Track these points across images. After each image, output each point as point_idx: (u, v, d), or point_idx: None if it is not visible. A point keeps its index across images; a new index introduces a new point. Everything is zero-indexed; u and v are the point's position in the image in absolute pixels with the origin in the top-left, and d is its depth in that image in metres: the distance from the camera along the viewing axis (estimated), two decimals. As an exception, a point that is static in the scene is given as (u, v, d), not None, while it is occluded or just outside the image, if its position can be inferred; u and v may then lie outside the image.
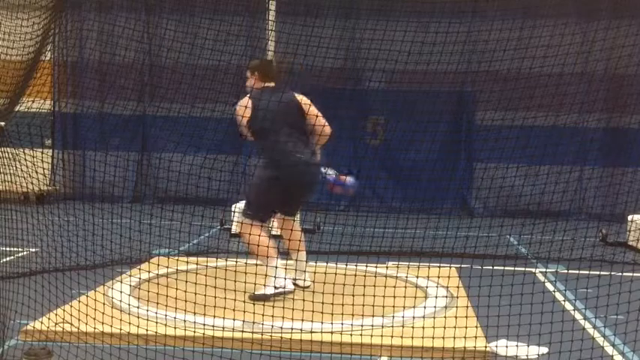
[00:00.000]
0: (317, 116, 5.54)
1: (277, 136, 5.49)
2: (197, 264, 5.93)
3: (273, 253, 5.37)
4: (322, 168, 5.74)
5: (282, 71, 6.36)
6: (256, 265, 5.36)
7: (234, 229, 8.80)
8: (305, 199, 5.98)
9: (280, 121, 5.49)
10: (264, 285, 5.28)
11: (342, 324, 4.31)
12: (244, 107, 5.55)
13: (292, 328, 4.36)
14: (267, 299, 5.14)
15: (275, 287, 5.27)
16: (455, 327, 4.17)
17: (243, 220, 5.50)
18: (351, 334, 4.40)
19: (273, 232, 6.59)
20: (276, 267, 5.30)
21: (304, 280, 5.72)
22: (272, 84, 5.72)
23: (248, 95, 5.64)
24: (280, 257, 5.60)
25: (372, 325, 4.50)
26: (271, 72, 5.82)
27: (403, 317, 4.79)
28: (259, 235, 5.37)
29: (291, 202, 5.76)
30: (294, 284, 5.65)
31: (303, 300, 4.81)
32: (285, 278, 5.40)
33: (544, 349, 4.35)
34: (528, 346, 4.35)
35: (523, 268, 5.91)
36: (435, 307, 5.06)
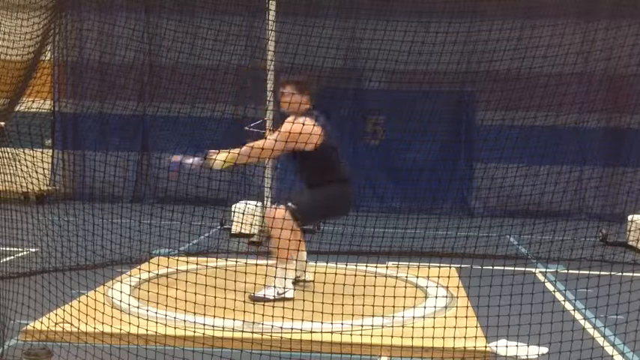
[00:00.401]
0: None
1: (339, 157, 5.62)
2: (197, 264, 5.93)
3: (293, 255, 5.38)
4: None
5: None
6: (256, 265, 5.36)
7: (234, 229, 8.81)
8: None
9: (337, 143, 5.67)
10: (270, 286, 5.27)
11: (342, 324, 4.31)
12: (312, 128, 5.27)
13: (292, 328, 4.36)
14: (268, 302, 5.15)
15: (279, 293, 5.27)
16: (455, 327, 4.17)
17: (285, 214, 5.33)
18: (351, 334, 4.40)
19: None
20: (286, 269, 5.30)
21: (305, 276, 5.74)
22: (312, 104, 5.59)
23: (309, 116, 5.38)
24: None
25: (372, 325, 4.50)
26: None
27: (403, 317, 4.79)
28: (289, 239, 5.23)
29: (337, 217, 5.95)
30: (301, 280, 5.66)
31: (303, 300, 4.81)
32: (290, 286, 5.39)
33: (544, 349, 4.35)
34: (528, 346, 4.35)
35: (523, 268, 5.91)
36: (434, 307, 5.06)
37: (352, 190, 5.74)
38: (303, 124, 5.20)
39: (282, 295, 5.25)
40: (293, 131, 5.09)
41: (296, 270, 5.75)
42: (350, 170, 5.81)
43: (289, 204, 5.39)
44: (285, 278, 5.28)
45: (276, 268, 5.27)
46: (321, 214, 5.84)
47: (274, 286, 5.27)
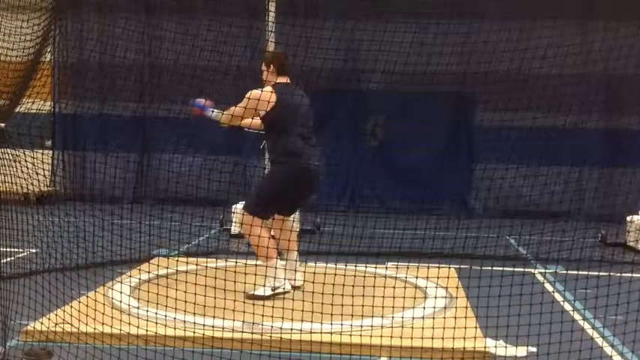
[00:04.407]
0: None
1: (298, 136, 5.47)
2: (197, 265, 5.94)
3: (273, 254, 5.37)
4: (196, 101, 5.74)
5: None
6: (256, 265, 5.37)
7: (234, 229, 8.82)
8: (306, 201, 5.96)
9: (301, 122, 5.52)
10: (263, 285, 5.29)
11: (341, 324, 4.31)
12: (269, 95, 5.38)
13: (292, 329, 4.36)
14: (264, 300, 5.16)
15: (272, 289, 5.27)
16: (454, 327, 4.18)
17: (246, 216, 5.42)
18: (350, 335, 4.40)
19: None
20: (275, 268, 5.31)
21: (295, 280, 5.69)
22: (286, 79, 5.62)
23: (271, 88, 5.49)
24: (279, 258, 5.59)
25: (372, 326, 4.50)
26: (286, 66, 5.67)
27: (403, 318, 4.80)
28: (259, 236, 5.34)
29: (297, 203, 5.77)
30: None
31: (303, 300, 4.81)
32: (284, 279, 5.40)
33: (543, 349, 4.36)
34: (527, 346, 4.36)
35: (522, 269, 5.92)
36: (434, 307, 5.07)
37: (305, 170, 5.48)
38: (262, 92, 5.40)
39: (276, 290, 5.25)
40: (248, 96, 5.37)
41: (285, 270, 5.73)
42: (315, 152, 5.57)
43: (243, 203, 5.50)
44: (276, 277, 5.27)
45: (266, 266, 5.29)
46: (270, 198, 5.49)
47: (264, 286, 5.29)
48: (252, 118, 5.73)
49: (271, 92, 5.43)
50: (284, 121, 5.42)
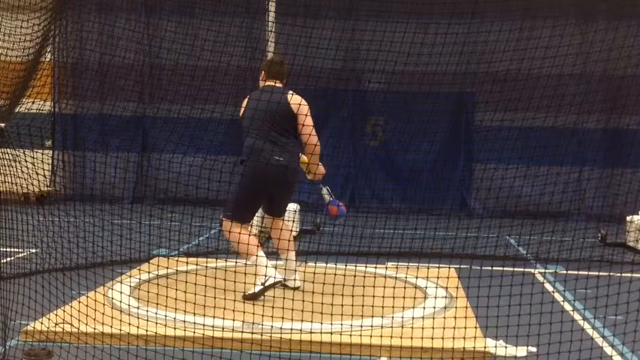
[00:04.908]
0: (304, 126, 5.50)
1: (255, 136, 5.49)
2: (197, 265, 5.94)
3: (254, 251, 5.34)
4: (322, 187, 5.87)
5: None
6: (245, 264, 5.36)
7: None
8: (283, 200, 5.88)
9: (261, 121, 5.45)
10: (253, 284, 5.28)
11: (341, 324, 4.32)
12: (243, 100, 5.72)
13: (292, 329, 4.36)
14: (257, 297, 5.16)
15: (262, 284, 5.27)
16: (454, 327, 4.18)
17: (225, 221, 5.52)
18: (350, 335, 4.40)
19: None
20: (258, 263, 5.28)
21: (295, 280, 5.69)
22: (274, 83, 5.67)
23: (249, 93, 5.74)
24: (269, 257, 5.56)
25: (372, 326, 4.50)
26: (277, 71, 5.71)
27: (403, 318, 4.80)
28: (237, 233, 5.32)
29: (274, 201, 5.73)
30: (284, 285, 5.63)
31: (303, 300, 4.81)
32: (271, 273, 5.32)
33: (543, 349, 4.36)
34: (527, 346, 4.36)
35: (522, 269, 5.92)
36: (434, 307, 5.07)
37: (267, 167, 5.41)
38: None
39: (266, 284, 5.24)
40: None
41: (285, 270, 5.73)
42: (277, 149, 5.47)
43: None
44: (264, 273, 5.26)
45: (252, 263, 5.30)
46: (240, 201, 5.48)
47: (254, 284, 5.28)
48: None
49: (244, 98, 5.73)
50: (243, 121, 5.66)
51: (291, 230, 6.05)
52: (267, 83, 5.70)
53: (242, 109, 5.71)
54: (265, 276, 5.28)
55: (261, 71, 5.81)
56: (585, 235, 8.48)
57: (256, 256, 5.30)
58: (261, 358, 4.06)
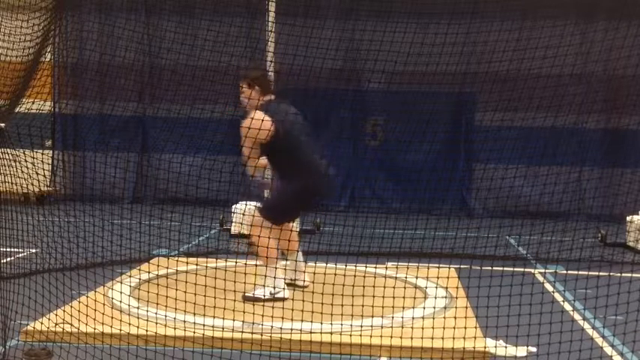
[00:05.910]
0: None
1: (306, 149, 5.46)
2: (197, 265, 5.94)
3: (273, 259, 5.36)
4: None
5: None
6: (256, 265, 5.37)
7: (234, 229, 8.82)
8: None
9: (304, 133, 5.51)
10: (261, 285, 5.29)
11: (341, 324, 4.32)
12: (266, 123, 5.21)
13: (292, 329, 4.37)
14: (260, 302, 5.17)
15: (271, 293, 5.28)
16: (454, 327, 4.18)
17: (257, 217, 5.40)
18: (350, 335, 4.40)
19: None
20: (275, 271, 5.30)
21: (303, 280, 5.74)
22: (271, 96, 5.53)
23: (260, 109, 5.34)
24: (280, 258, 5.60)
25: (372, 326, 4.51)
26: (270, 84, 5.70)
27: (403, 318, 4.80)
28: (269, 237, 5.33)
29: (308, 210, 5.79)
30: (293, 284, 5.66)
31: (303, 300, 4.82)
32: (284, 285, 5.39)
33: (543, 349, 4.36)
34: (527, 346, 4.36)
35: (522, 269, 5.92)
36: (434, 307, 5.07)
37: (319, 183, 5.50)
38: (252, 119, 5.19)
39: (275, 295, 5.26)
40: (244, 126, 5.17)
41: (286, 271, 5.74)
42: (322, 162, 5.56)
43: (257, 204, 5.45)
44: (276, 277, 5.28)
45: (266, 268, 5.28)
46: (286, 210, 5.54)
47: (264, 286, 5.29)
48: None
49: (262, 118, 5.21)
50: (292, 139, 5.35)
51: (297, 230, 6.05)
52: (271, 97, 5.52)
53: (270, 128, 5.25)
54: (276, 287, 5.30)
55: (251, 86, 5.47)
56: (585, 235, 8.48)
57: (275, 267, 5.32)
58: (261, 358, 4.06)
